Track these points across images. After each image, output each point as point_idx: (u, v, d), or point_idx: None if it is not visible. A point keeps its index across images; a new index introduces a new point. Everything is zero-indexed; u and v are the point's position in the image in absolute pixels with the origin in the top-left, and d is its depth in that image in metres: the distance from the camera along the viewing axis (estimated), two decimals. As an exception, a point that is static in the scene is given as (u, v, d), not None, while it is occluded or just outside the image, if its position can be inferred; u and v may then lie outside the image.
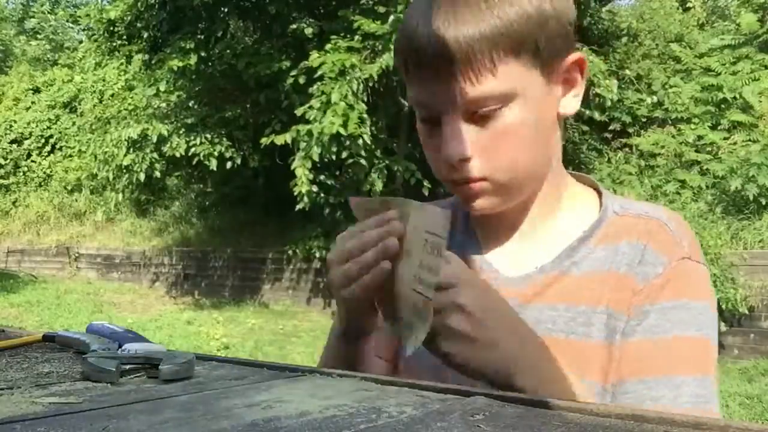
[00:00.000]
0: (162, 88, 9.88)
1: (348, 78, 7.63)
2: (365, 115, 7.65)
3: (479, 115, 0.74)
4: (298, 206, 8.13)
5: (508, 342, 0.66)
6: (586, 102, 8.48)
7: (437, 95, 0.74)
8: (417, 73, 0.76)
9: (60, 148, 15.45)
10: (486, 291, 0.68)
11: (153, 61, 9.95)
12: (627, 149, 9.35)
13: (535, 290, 0.79)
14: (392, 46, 7.42)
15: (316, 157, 7.70)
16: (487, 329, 0.65)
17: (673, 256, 0.77)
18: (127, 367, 0.62)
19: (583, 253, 0.80)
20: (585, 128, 9.15)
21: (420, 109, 0.79)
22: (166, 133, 9.43)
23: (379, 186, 8.11)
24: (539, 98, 0.76)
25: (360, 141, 7.55)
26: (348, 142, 7.56)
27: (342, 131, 7.38)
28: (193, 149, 9.42)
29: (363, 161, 7.98)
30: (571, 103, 0.81)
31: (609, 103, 8.29)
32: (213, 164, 9.47)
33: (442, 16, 0.72)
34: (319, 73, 7.78)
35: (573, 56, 0.78)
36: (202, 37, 9.62)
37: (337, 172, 8.86)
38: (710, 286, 0.79)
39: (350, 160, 7.97)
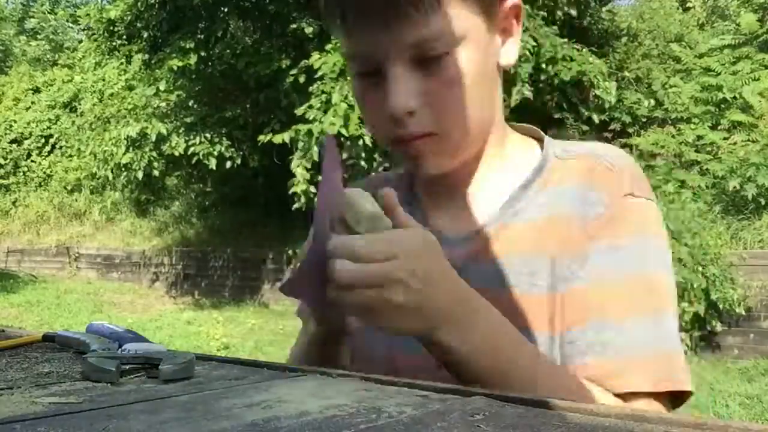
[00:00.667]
0: (162, 87, 9.87)
1: (348, 78, 7.63)
2: (365, 116, 7.66)
3: (424, 62, 0.69)
4: (295, 206, 8.13)
5: (435, 300, 0.62)
6: (585, 103, 8.47)
7: (379, 42, 0.69)
8: (356, 19, 0.70)
9: (60, 148, 15.45)
10: (421, 257, 0.62)
11: (153, 61, 9.95)
12: (627, 149, 9.34)
13: (480, 247, 0.77)
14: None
15: (315, 157, 7.70)
16: (423, 296, 0.61)
17: (613, 194, 0.74)
18: (127, 367, 0.62)
19: (525, 201, 0.78)
20: (585, 128, 9.15)
21: (358, 62, 0.73)
22: (165, 132, 9.44)
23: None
24: (483, 44, 0.72)
25: (360, 142, 7.54)
26: (349, 143, 7.56)
27: (344, 131, 7.38)
28: (192, 148, 9.42)
29: (363, 162, 7.98)
30: (510, 51, 0.77)
31: (608, 105, 8.29)
32: (212, 163, 9.47)
33: None
34: (320, 73, 7.78)
35: (509, 2, 0.75)
36: (202, 36, 9.61)
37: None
38: (655, 221, 0.76)
39: (350, 161, 7.97)
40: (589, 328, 0.71)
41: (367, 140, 7.55)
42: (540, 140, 0.84)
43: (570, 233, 0.74)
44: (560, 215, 0.76)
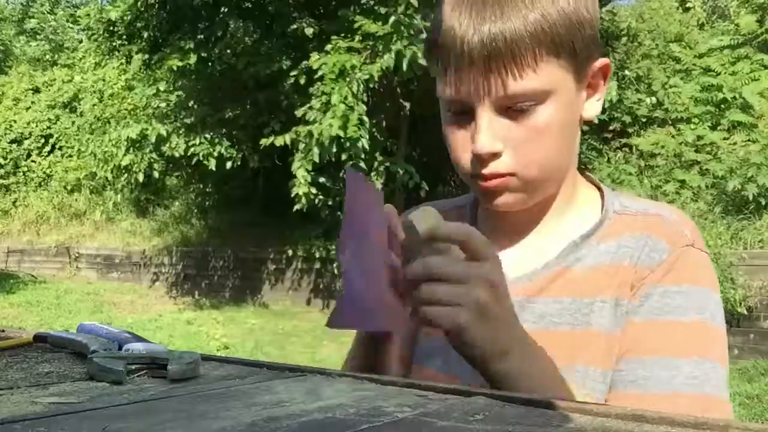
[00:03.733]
0: (162, 87, 9.87)
1: (348, 79, 7.63)
2: (365, 117, 7.65)
3: (514, 110, 0.75)
4: (296, 207, 8.13)
5: (511, 325, 0.68)
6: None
7: (475, 88, 0.75)
8: (455, 65, 0.76)
9: (60, 148, 15.45)
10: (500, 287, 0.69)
11: (153, 61, 9.94)
12: (627, 149, 9.35)
13: (540, 286, 0.81)
14: (394, 45, 7.33)
15: (316, 158, 7.70)
16: (505, 308, 0.67)
17: (675, 244, 0.78)
18: (133, 367, 0.62)
19: (586, 249, 0.82)
20: (585, 128, 9.14)
21: (450, 103, 0.79)
22: (165, 134, 9.43)
23: (378, 187, 8.10)
24: (571, 99, 0.78)
25: (359, 143, 7.54)
26: (348, 144, 7.56)
27: (341, 134, 7.38)
28: (192, 149, 9.42)
29: (362, 163, 7.98)
30: (593, 107, 0.83)
31: (608, 104, 8.28)
32: (212, 164, 9.46)
33: (488, 10, 0.73)
34: (320, 73, 7.78)
35: (600, 61, 0.81)
36: (202, 37, 9.61)
37: (339, 173, 8.86)
38: (713, 273, 0.80)
39: (350, 162, 7.97)
40: (638, 360, 0.74)
41: (365, 142, 7.54)
42: (597, 187, 0.90)
43: (631, 279, 0.78)
44: (622, 264, 0.80)
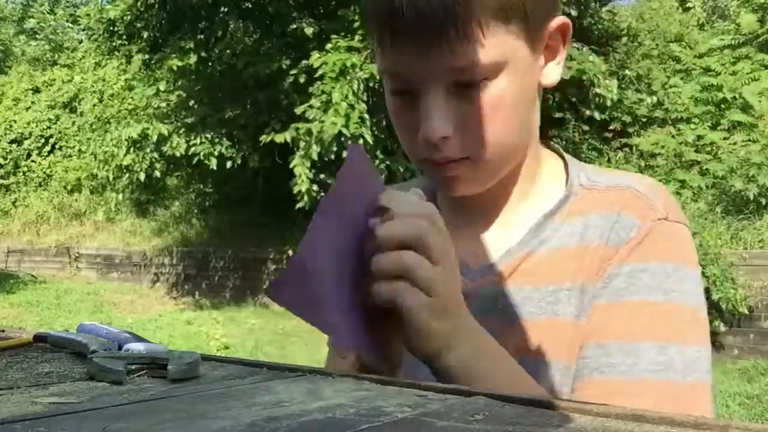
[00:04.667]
0: (162, 87, 9.88)
1: (348, 78, 7.63)
2: (366, 115, 7.65)
3: (462, 87, 0.68)
4: (298, 205, 8.13)
5: (460, 315, 0.63)
6: (585, 102, 8.47)
7: (416, 65, 0.67)
8: (394, 40, 0.67)
9: (60, 148, 15.46)
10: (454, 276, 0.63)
11: (152, 61, 9.95)
12: (627, 149, 9.35)
13: (503, 274, 0.76)
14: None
15: (315, 156, 7.70)
16: (450, 288, 0.60)
17: (645, 218, 0.72)
18: (133, 367, 0.62)
19: (550, 230, 0.76)
20: (585, 128, 9.15)
21: (393, 81, 0.71)
22: (166, 133, 9.44)
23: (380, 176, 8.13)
24: (525, 68, 0.70)
25: (361, 141, 7.55)
26: (349, 142, 7.56)
27: (345, 131, 7.38)
28: (193, 149, 9.42)
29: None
30: (553, 71, 0.75)
31: (609, 103, 8.27)
32: (213, 164, 9.47)
33: None
34: (320, 72, 7.78)
35: (556, 21, 0.72)
36: (202, 37, 9.62)
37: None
38: (689, 246, 0.74)
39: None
40: (602, 346, 0.70)
41: (369, 138, 7.55)
42: (561, 156, 0.82)
43: (599, 261, 0.73)
44: (588, 244, 0.74)
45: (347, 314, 0.60)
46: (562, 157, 0.82)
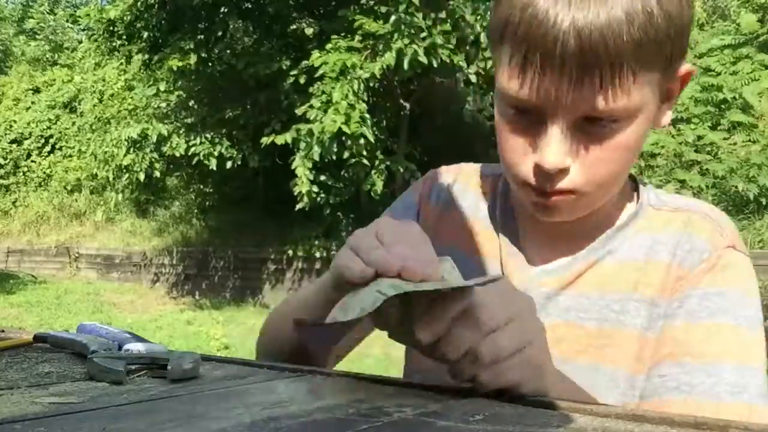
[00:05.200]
0: (162, 88, 9.88)
1: (349, 78, 7.63)
2: (366, 115, 7.65)
3: (590, 122, 0.66)
4: (299, 206, 8.13)
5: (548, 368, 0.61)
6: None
7: (557, 96, 0.65)
8: (540, 66, 0.64)
9: (60, 148, 15.46)
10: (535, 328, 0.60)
11: (152, 61, 9.95)
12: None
13: (569, 279, 0.77)
14: (395, 44, 7.24)
15: (316, 157, 7.70)
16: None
17: (716, 245, 0.74)
18: (133, 367, 0.62)
19: (619, 241, 0.77)
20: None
21: (519, 102, 0.68)
22: (166, 133, 9.44)
23: (379, 186, 8.11)
24: (651, 115, 0.69)
25: (361, 140, 7.54)
26: (350, 142, 7.56)
27: (345, 129, 7.37)
28: (193, 149, 9.42)
29: (364, 161, 7.98)
30: (667, 115, 0.74)
31: None
32: (213, 164, 9.47)
33: (593, 11, 0.61)
34: (320, 72, 7.78)
35: (684, 68, 0.71)
36: (202, 37, 9.62)
37: (340, 172, 8.87)
38: (753, 276, 0.76)
39: (352, 160, 7.97)
40: (680, 365, 0.71)
41: (369, 136, 7.53)
42: (632, 178, 0.83)
43: (672, 280, 0.74)
44: (656, 259, 0.75)
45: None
46: (633, 177, 0.84)
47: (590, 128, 0.66)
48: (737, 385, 0.69)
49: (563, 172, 0.68)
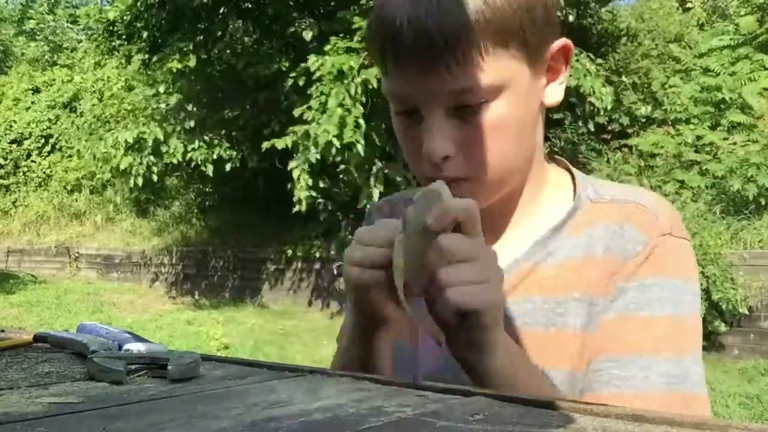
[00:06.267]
0: (161, 90, 9.87)
1: (346, 81, 7.61)
2: (361, 121, 7.59)
3: (463, 109, 0.70)
4: (296, 209, 8.12)
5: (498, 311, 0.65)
6: (583, 105, 8.37)
7: (418, 88, 0.69)
8: (395, 63, 0.70)
9: (60, 148, 15.46)
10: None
11: (152, 62, 9.95)
12: (626, 150, 9.35)
13: (511, 284, 0.77)
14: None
15: (314, 159, 7.68)
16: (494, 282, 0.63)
17: (652, 233, 0.74)
18: (133, 367, 0.62)
19: (558, 242, 0.78)
20: (583, 129, 9.14)
21: (397, 102, 0.73)
22: (162, 138, 9.41)
23: (376, 193, 8.08)
24: (526, 90, 0.71)
25: (355, 149, 7.47)
26: (342, 151, 7.49)
27: (336, 142, 7.28)
28: (190, 154, 9.39)
29: (354, 171, 7.95)
30: (555, 92, 0.77)
31: (602, 113, 8.14)
32: (209, 170, 9.45)
33: (424, 2, 0.66)
34: (318, 74, 7.76)
35: (558, 43, 0.74)
36: (202, 37, 9.61)
37: (338, 175, 8.86)
38: (692, 261, 0.76)
39: (346, 166, 7.95)
40: (614, 360, 0.72)
41: (360, 149, 7.49)
42: (569, 171, 0.84)
43: (605, 273, 0.75)
44: (594, 256, 0.76)
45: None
46: (570, 171, 0.84)
47: (464, 114, 0.70)
48: (673, 377, 0.70)
49: (449, 159, 0.71)
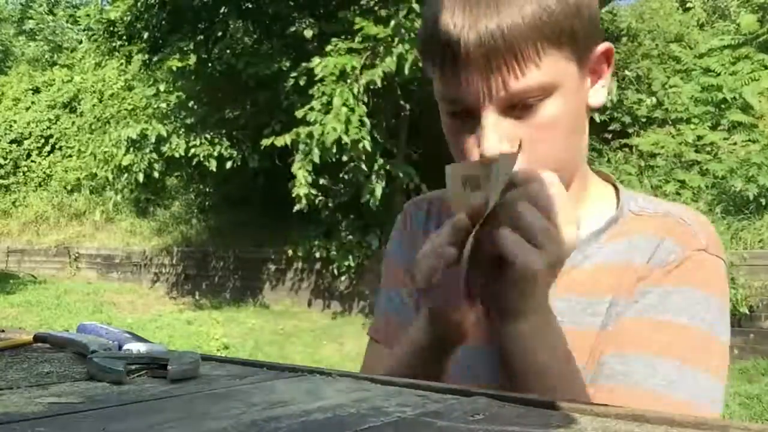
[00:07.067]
0: (162, 88, 9.87)
1: (349, 81, 7.62)
2: (366, 119, 7.63)
3: (519, 108, 0.72)
4: (296, 208, 8.13)
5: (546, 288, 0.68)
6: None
7: (475, 89, 0.72)
8: (453, 66, 0.72)
9: (60, 148, 15.46)
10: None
11: (152, 62, 9.95)
12: (627, 149, 9.35)
13: None
14: (396, 49, 7.25)
15: (316, 159, 7.69)
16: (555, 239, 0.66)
17: (686, 246, 0.76)
18: (133, 367, 0.62)
19: (595, 247, 0.80)
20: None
21: (451, 104, 0.76)
22: (165, 134, 9.43)
23: (378, 192, 8.09)
24: (575, 90, 0.75)
25: (361, 145, 7.51)
26: (350, 147, 7.53)
27: (345, 137, 7.35)
28: (192, 150, 9.41)
29: (363, 165, 7.97)
30: (599, 93, 0.79)
31: (609, 104, 8.25)
32: (212, 165, 9.46)
33: (482, 5, 0.70)
34: (320, 75, 7.77)
35: (602, 46, 0.77)
36: (202, 37, 9.61)
37: (339, 174, 8.86)
38: (723, 280, 0.77)
39: (351, 164, 7.96)
40: (621, 356, 0.73)
41: (368, 145, 7.52)
42: (613, 185, 0.87)
43: (637, 279, 0.77)
44: (633, 264, 0.78)
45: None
46: (614, 185, 0.87)
47: (519, 113, 0.72)
48: (673, 382, 0.70)
49: None
